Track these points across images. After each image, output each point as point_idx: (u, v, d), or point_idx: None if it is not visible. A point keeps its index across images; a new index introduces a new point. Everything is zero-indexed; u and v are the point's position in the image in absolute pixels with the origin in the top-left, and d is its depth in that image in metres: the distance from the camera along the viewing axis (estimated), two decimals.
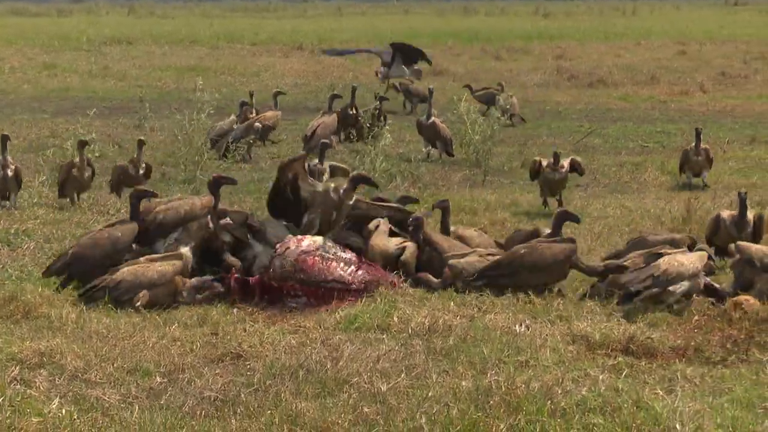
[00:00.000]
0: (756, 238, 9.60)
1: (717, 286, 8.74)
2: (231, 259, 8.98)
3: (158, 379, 6.82)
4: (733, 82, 26.81)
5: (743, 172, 14.97)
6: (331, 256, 8.72)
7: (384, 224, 9.50)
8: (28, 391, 6.52)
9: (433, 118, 15.86)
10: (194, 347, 7.42)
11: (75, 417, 6.11)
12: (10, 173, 11.86)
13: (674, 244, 9.11)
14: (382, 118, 16.62)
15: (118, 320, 7.99)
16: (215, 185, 9.38)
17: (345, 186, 9.38)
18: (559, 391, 6.35)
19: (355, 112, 17.05)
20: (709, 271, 8.92)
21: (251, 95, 17.55)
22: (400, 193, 11.84)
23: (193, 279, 8.68)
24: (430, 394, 6.41)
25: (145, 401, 6.45)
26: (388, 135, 14.44)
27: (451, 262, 8.91)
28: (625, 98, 23.91)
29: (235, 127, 15.90)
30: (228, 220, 9.29)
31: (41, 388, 6.61)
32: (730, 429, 6.02)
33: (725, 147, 16.83)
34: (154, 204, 9.30)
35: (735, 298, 8.40)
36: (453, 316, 8.08)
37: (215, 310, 8.32)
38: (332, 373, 6.76)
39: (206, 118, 14.16)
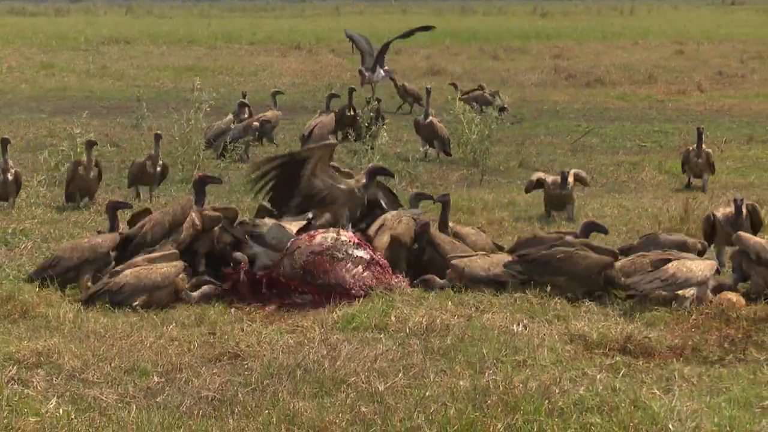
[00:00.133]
0: (755, 228, 9.59)
1: (721, 282, 8.73)
2: (238, 254, 9.04)
3: (156, 378, 6.81)
4: (730, 81, 26.79)
5: (741, 172, 14.97)
6: (342, 255, 8.72)
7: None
8: (25, 390, 6.52)
9: (430, 118, 15.85)
10: (192, 347, 7.42)
11: (72, 417, 6.10)
12: (10, 177, 11.83)
13: (685, 247, 9.08)
14: (379, 118, 16.62)
15: (116, 320, 7.99)
16: (200, 184, 9.59)
17: (364, 181, 9.49)
18: (557, 391, 6.35)
19: (353, 113, 17.04)
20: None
21: (244, 95, 17.55)
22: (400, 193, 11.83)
23: (192, 279, 8.75)
24: (427, 393, 6.41)
25: (142, 401, 6.45)
26: (385, 134, 14.44)
27: (453, 262, 8.93)
28: (623, 98, 23.89)
29: (232, 126, 15.90)
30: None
31: (39, 387, 6.61)
32: (728, 428, 6.02)
33: (723, 146, 16.84)
34: (142, 223, 9.28)
35: (718, 296, 8.42)
36: (451, 315, 8.08)
37: (213, 309, 8.33)
38: (330, 373, 6.76)
39: (203, 118, 14.15)
